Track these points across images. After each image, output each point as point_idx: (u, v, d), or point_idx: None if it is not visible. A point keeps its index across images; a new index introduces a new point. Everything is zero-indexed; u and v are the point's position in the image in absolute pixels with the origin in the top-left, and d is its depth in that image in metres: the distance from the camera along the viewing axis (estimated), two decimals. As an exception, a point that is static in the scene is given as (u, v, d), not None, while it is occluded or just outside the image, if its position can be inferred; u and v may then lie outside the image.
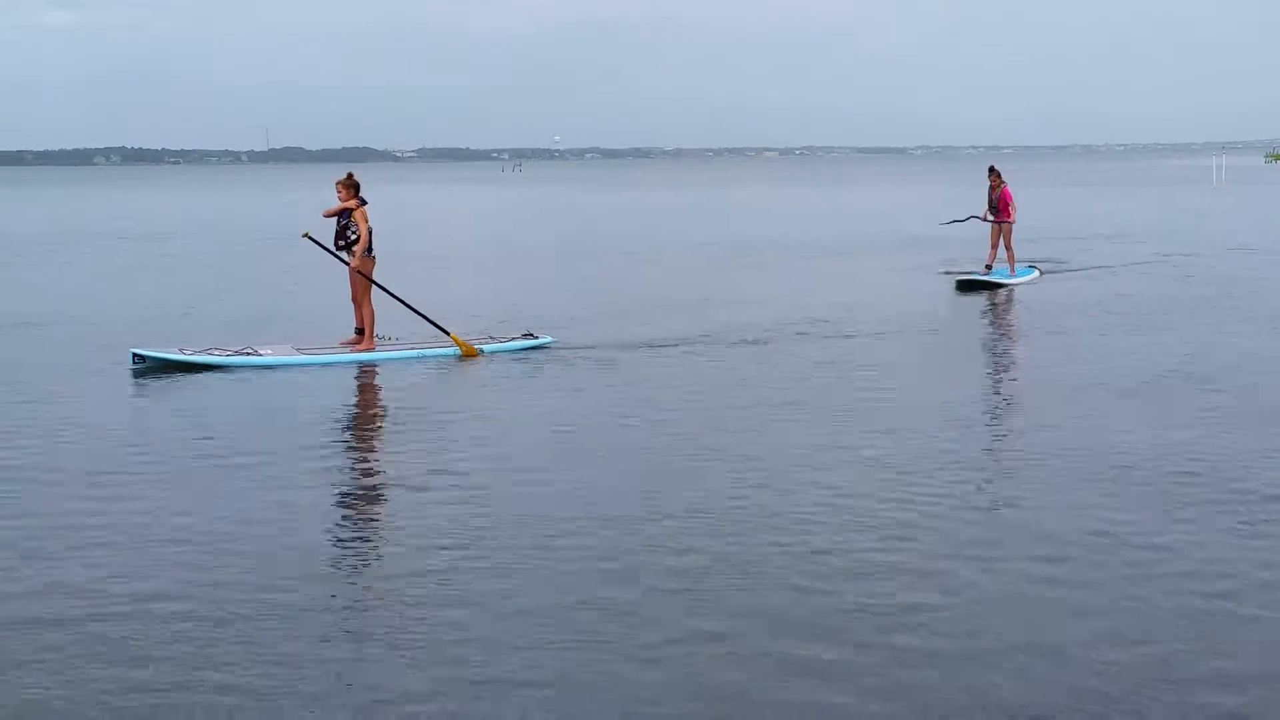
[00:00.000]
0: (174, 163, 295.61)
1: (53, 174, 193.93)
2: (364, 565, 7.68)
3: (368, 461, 10.40)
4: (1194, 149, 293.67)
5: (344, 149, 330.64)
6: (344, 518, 8.72)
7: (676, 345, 15.48)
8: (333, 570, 7.50)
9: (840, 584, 7.04)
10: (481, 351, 14.74)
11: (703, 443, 10.43)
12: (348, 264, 14.91)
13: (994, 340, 16.72)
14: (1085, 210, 47.79)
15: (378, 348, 14.86)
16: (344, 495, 9.24)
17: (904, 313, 18.25)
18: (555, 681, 5.89)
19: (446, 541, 7.90)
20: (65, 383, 13.42)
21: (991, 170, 22.28)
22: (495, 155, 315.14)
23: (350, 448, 10.91)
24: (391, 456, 10.50)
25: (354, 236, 14.83)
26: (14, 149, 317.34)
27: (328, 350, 14.78)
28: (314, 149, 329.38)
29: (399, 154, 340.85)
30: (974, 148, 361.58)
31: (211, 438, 10.79)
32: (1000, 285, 21.21)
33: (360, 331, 14.96)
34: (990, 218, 21.99)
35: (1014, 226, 22.06)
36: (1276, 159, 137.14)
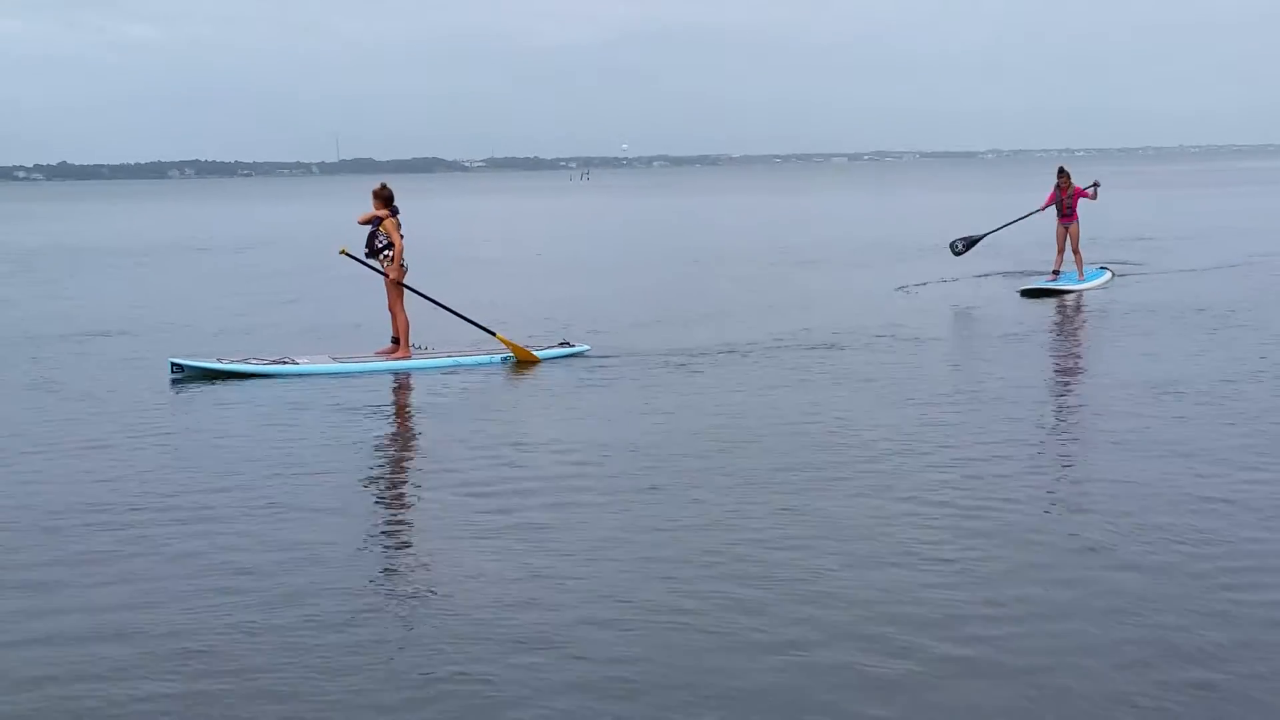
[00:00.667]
0: (246, 175, 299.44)
1: (129, 187, 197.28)
2: (398, 573, 7.70)
3: (399, 469, 10.49)
4: (1271, 150, 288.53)
5: (413, 159, 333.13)
6: (378, 526, 8.75)
7: (727, 351, 15.29)
8: (367, 579, 7.47)
9: (914, 594, 6.87)
10: (539, 358, 14.77)
11: (738, 449, 10.32)
12: (384, 274, 14.88)
13: (1064, 347, 16.07)
14: (1157, 211, 46.74)
15: (413, 356, 14.90)
16: (376, 503, 9.34)
17: (970, 318, 17.79)
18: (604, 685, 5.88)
19: (483, 546, 7.92)
20: (105, 390, 13.66)
21: (1061, 171, 21.49)
22: (563, 164, 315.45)
23: (382, 456, 10.99)
24: (422, 463, 10.60)
25: (382, 244, 14.83)
26: (91, 163, 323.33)
27: (363, 359, 14.86)
28: (383, 160, 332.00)
29: (467, 164, 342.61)
30: (1046, 150, 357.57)
31: (244, 446, 10.88)
32: (1069, 291, 20.43)
33: (396, 340, 14.94)
34: (1039, 211, 21.50)
35: (1081, 228, 21.33)
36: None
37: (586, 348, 15.44)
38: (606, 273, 27.95)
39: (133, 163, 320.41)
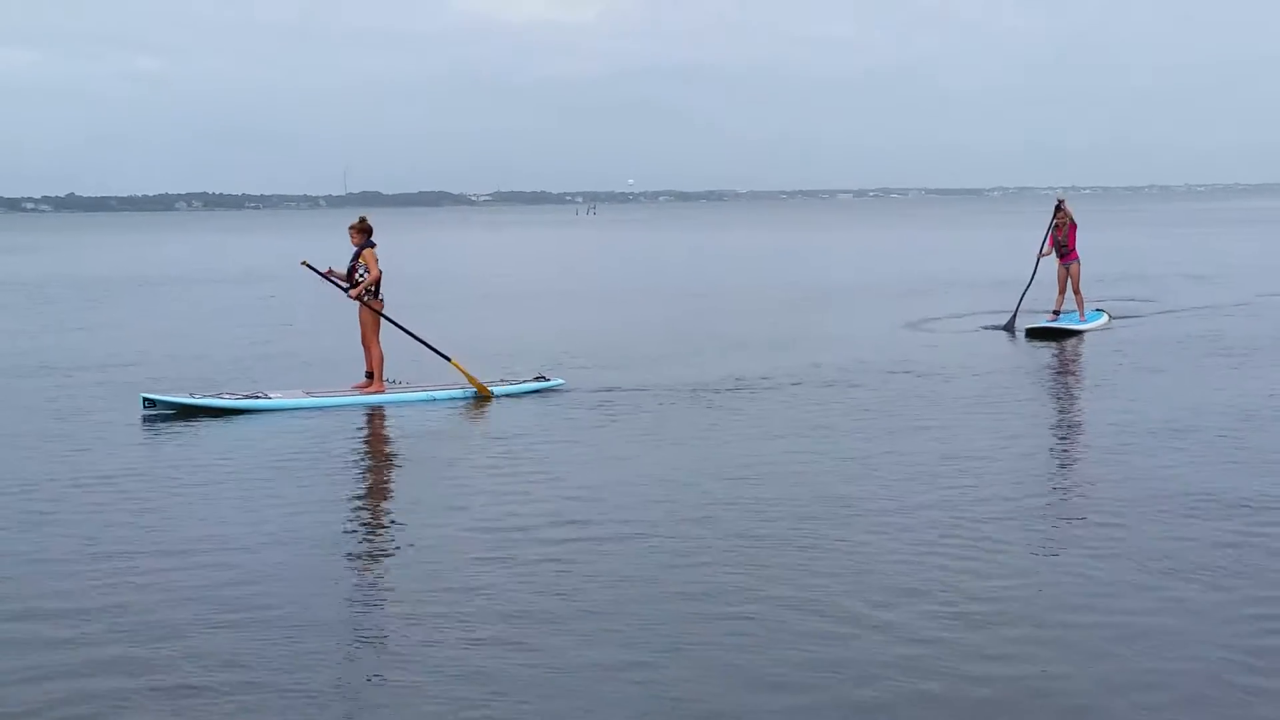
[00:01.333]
0: (254, 207, 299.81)
1: (136, 219, 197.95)
2: (369, 609, 7.68)
3: (371, 505, 10.42)
4: (1276, 189, 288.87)
5: (420, 193, 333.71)
6: (348, 560, 8.69)
7: (705, 388, 15.30)
8: (338, 616, 7.41)
9: (911, 628, 6.82)
10: (493, 394, 14.79)
11: (712, 480, 10.35)
12: (346, 291, 14.95)
13: (1069, 389, 15.83)
14: (1162, 250, 46.64)
15: (387, 390, 14.89)
16: (348, 539, 9.22)
17: (976, 357, 17.68)
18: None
19: (451, 584, 7.87)
20: (75, 426, 13.59)
21: (1059, 206, 20.97)
22: (570, 199, 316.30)
23: (352, 490, 10.92)
24: (393, 498, 10.65)
25: (361, 276, 14.90)
26: (99, 195, 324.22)
27: (338, 393, 14.83)
28: (390, 193, 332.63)
29: (474, 197, 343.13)
30: (1052, 188, 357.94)
31: (214, 481, 10.80)
32: (1072, 332, 20.09)
33: (370, 375, 14.94)
34: (1048, 252, 20.97)
35: (1081, 267, 21.07)
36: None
37: (561, 382, 15.45)
38: (609, 305, 28.09)
39: (140, 195, 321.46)
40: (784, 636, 6.87)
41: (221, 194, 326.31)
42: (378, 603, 7.79)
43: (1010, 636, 6.82)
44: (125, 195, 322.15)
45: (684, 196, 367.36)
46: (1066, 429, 13.25)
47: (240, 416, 13.93)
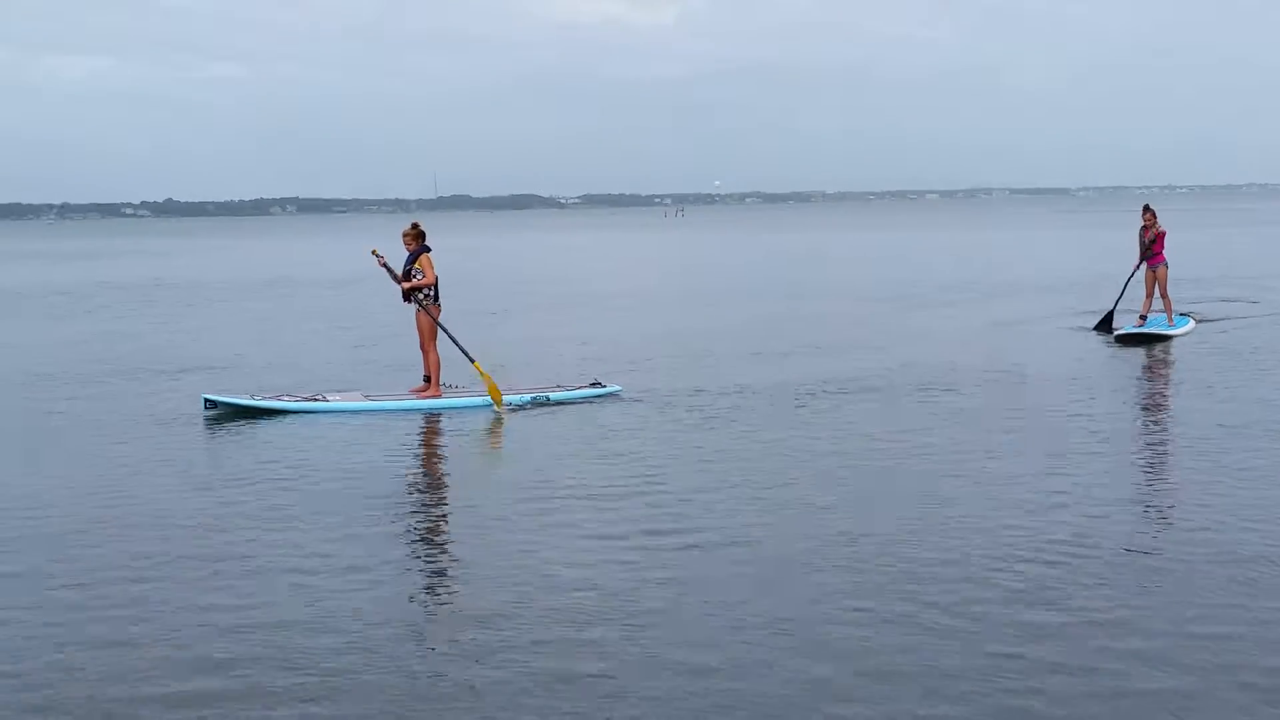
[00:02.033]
0: (343, 212, 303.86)
1: (235, 224, 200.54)
2: (431, 611, 7.75)
3: (425, 508, 10.49)
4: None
5: (509, 196, 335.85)
6: (405, 566, 8.68)
7: (794, 389, 15.46)
8: (401, 618, 7.50)
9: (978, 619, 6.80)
10: (503, 403, 14.62)
11: (771, 486, 10.44)
12: (401, 288, 15.10)
13: (1160, 394, 15.84)
14: (1258, 251, 45.96)
15: (444, 395, 15.02)
16: (404, 543, 9.27)
17: (1065, 362, 17.73)
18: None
19: (516, 584, 7.99)
20: (138, 427, 13.89)
21: (1146, 209, 21.17)
22: (657, 201, 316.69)
23: (409, 495, 10.96)
24: (448, 502, 10.70)
25: (417, 279, 15.09)
26: (197, 200, 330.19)
27: (395, 397, 15.01)
28: (480, 196, 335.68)
29: (563, 200, 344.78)
30: (1144, 187, 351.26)
31: (272, 481, 11.03)
32: (1161, 338, 20.06)
33: (428, 379, 15.18)
34: (1138, 266, 20.99)
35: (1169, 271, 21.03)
36: None
37: (619, 388, 15.47)
38: (696, 307, 28.03)
39: (237, 200, 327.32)
40: (878, 644, 6.93)
41: (314, 198, 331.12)
42: (443, 605, 7.84)
43: (1105, 647, 6.84)
44: (222, 200, 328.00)
45: (770, 198, 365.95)
46: (1156, 435, 13.20)
47: (300, 418, 14.18)
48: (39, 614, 7.61)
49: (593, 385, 15.55)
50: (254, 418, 14.18)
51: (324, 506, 10.13)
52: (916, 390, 15.44)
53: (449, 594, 8.05)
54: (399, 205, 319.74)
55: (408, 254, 15.23)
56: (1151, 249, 20.85)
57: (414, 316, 15.28)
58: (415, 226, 15.37)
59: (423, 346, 15.22)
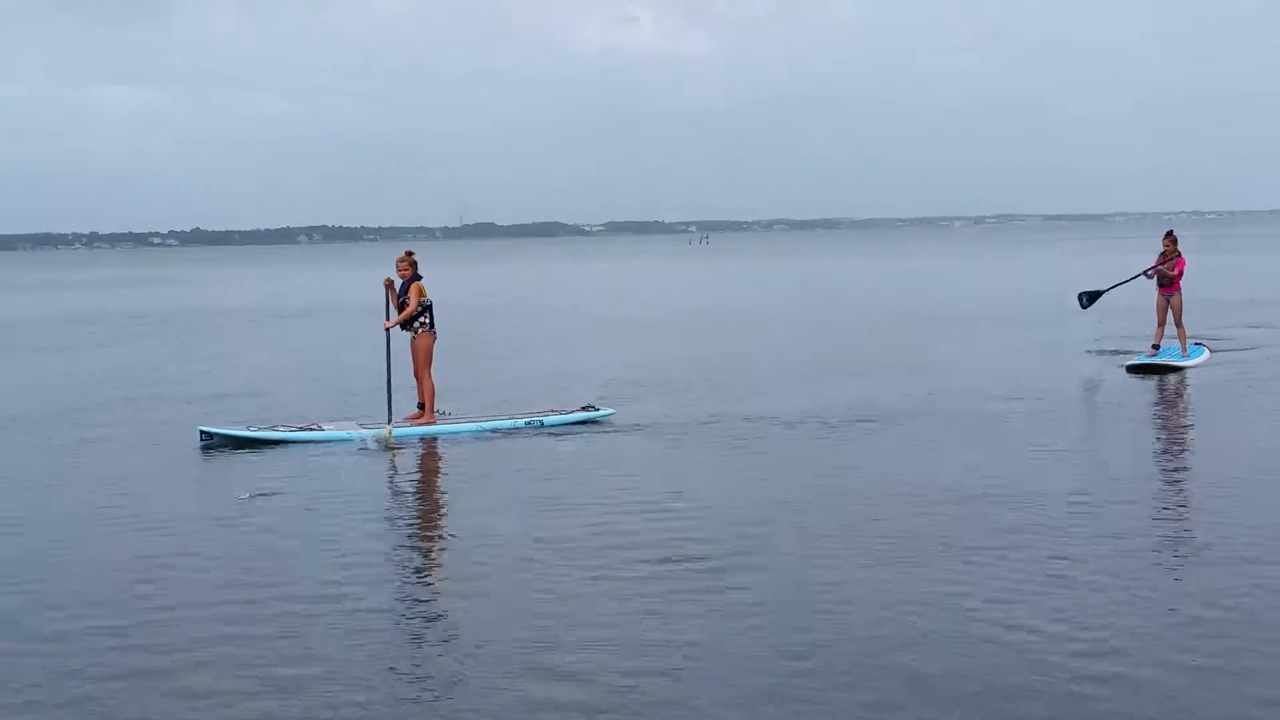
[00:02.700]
0: (371, 239, 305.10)
1: (260, 252, 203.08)
2: (425, 638, 7.66)
3: (420, 535, 10.48)
4: None
5: (534, 224, 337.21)
6: (400, 593, 8.64)
7: (818, 417, 15.40)
8: (395, 648, 7.46)
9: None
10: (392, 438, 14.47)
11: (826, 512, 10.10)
12: (386, 328, 15.26)
13: (1170, 429, 15.12)
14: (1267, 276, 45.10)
15: (438, 422, 15.03)
16: (399, 569, 9.26)
17: (1076, 393, 17.33)
18: None
19: (511, 610, 7.94)
20: (132, 458, 14.03)
21: (1169, 235, 20.27)
22: (682, 228, 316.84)
23: (404, 522, 10.99)
24: (445, 529, 10.67)
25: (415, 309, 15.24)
26: (224, 229, 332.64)
27: (388, 425, 14.93)
28: (505, 224, 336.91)
29: (588, 228, 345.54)
30: (1176, 213, 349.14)
31: (265, 513, 10.97)
32: (1173, 369, 19.21)
33: (422, 406, 15.15)
34: (1150, 275, 20.11)
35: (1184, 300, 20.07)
36: None
37: (611, 412, 15.49)
38: (711, 334, 28.01)
39: (263, 229, 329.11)
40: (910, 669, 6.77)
41: (340, 226, 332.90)
42: (441, 635, 7.73)
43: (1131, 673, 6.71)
44: (249, 229, 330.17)
45: (798, 224, 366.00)
46: (1170, 468, 12.72)
47: (294, 447, 14.23)
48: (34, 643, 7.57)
49: (584, 409, 15.56)
50: (250, 448, 14.22)
51: (320, 536, 10.06)
52: (924, 418, 15.33)
53: (445, 622, 7.96)
54: (425, 234, 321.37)
55: (401, 282, 15.21)
56: (1171, 279, 19.92)
57: (409, 344, 15.19)
58: (409, 255, 15.42)
59: (417, 374, 15.23)
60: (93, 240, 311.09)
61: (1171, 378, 18.71)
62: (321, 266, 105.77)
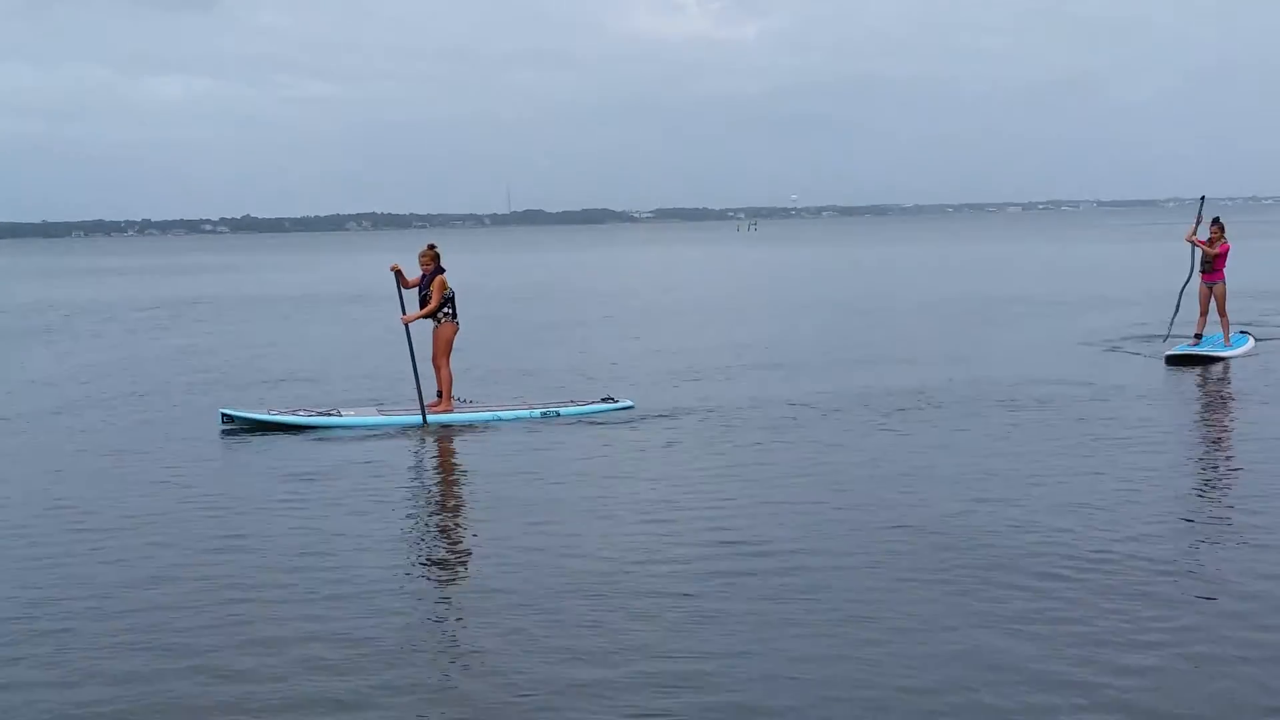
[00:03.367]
0: (420, 226, 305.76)
1: (310, 239, 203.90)
2: (434, 629, 7.61)
3: (435, 523, 10.45)
4: None
5: (583, 210, 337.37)
6: (413, 580, 8.64)
7: (866, 404, 15.39)
8: (416, 630, 7.51)
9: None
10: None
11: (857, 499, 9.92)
12: (403, 312, 15.22)
13: (1211, 424, 14.88)
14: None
15: (456, 409, 15.08)
16: (412, 556, 9.25)
17: (1111, 387, 16.83)
18: None
19: (524, 600, 7.89)
20: (155, 441, 14.17)
21: (1215, 222, 19.89)
22: (731, 215, 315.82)
23: (419, 509, 10.97)
24: (459, 518, 10.63)
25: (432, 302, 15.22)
26: (274, 216, 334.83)
27: (408, 412, 15.00)
28: (553, 210, 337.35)
29: (636, 214, 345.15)
30: (1231, 199, 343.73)
31: (283, 499, 11.02)
32: (1216, 359, 18.93)
33: (440, 393, 15.20)
34: (1196, 270, 19.79)
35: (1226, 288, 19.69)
36: None
37: (630, 404, 15.42)
38: (764, 321, 27.94)
39: (313, 215, 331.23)
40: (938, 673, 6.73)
41: (389, 213, 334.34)
42: (434, 620, 7.77)
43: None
44: (299, 216, 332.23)
45: (847, 211, 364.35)
46: (1213, 459, 12.60)
47: (315, 432, 14.38)
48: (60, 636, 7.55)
49: (604, 400, 15.49)
50: (271, 432, 14.37)
51: (340, 522, 10.07)
52: (966, 404, 15.39)
53: (468, 608, 7.95)
54: (473, 220, 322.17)
55: (424, 275, 15.22)
56: (1213, 264, 19.73)
57: (430, 332, 15.23)
58: (431, 248, 15.38)
59: (435, 362, 15.25)
60: (145, 227, 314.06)
61: (1215, 367, 18.43)
62: (372, 253, 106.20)
